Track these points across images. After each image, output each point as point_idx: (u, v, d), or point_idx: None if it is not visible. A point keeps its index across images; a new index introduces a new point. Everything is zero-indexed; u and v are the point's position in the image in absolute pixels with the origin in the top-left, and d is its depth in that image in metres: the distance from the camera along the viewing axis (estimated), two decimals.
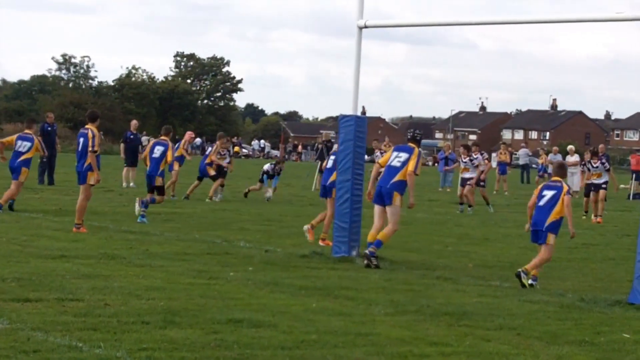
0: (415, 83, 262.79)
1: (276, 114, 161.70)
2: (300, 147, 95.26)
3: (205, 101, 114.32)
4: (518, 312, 10.49)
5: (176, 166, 23.92)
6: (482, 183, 25.86)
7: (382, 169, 14.18)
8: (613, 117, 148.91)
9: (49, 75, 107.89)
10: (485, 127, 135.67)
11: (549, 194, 12.78)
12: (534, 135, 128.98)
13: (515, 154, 51.77)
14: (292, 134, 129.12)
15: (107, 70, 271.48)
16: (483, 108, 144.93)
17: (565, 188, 12.78)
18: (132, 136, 30.36)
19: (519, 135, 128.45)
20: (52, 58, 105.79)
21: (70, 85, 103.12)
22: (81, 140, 16.87)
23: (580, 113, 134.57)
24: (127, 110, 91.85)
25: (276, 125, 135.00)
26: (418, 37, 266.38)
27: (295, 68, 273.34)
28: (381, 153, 28.13)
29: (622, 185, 36.94)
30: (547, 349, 8.65)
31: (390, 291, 11.46)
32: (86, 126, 17.00)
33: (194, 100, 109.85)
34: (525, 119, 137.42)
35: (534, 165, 56.88)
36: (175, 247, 14.62)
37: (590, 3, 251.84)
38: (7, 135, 23.45)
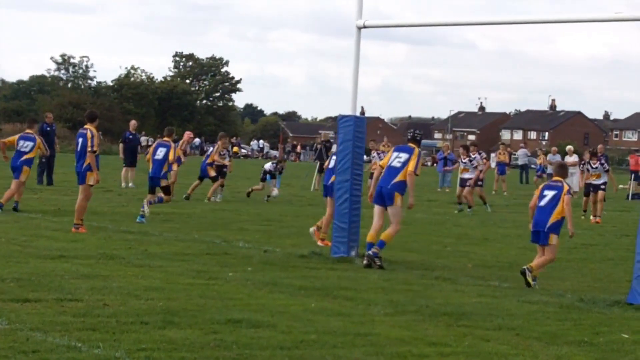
0: (415, 83, 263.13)
1: (275, 114, 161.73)
2: (299, 147, 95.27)
3: (204, 101, 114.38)
4: (517, 312, 10.49)
5: (175, 167, 23.89)
6: (480, 182, 25.88)
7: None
8: (612, 118, 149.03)
9: (47, 75, 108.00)
10: (484, 127, 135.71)
11: (549, 194, 12.80)
12: (532, 135, 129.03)
13: (514, 154, 51.81)
14: (291, 134, 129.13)
15: (106, 71, 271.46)
16: (482, 108, 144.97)
17: (566, 188, 12.82)
18: (131, 136, 30.36)
19: (518, 135, 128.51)
20: (51, 58, 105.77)
21: (69, 85, 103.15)
22: (80, 140, 16.86)
23: (579, 113, 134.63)
24: (125, 111, 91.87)
25: (275, 126, 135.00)
26: (417, 37, 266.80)
27: (294, 68, 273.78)
28: (378, 154, 28.17)
29: (620, 186, 37.01)
30: (546, 349, 8.65)
31: (389, 291, 11.46)
32: (85, 126, 17.00)
33: (193, 101, 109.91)
34: (524, 119, 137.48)
35: (532, 166, 56.90)
36: (174, 248, 14.62)
37: (590, 3, 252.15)
38: (6, 136, 23.46)
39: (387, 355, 8.04)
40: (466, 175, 25.52)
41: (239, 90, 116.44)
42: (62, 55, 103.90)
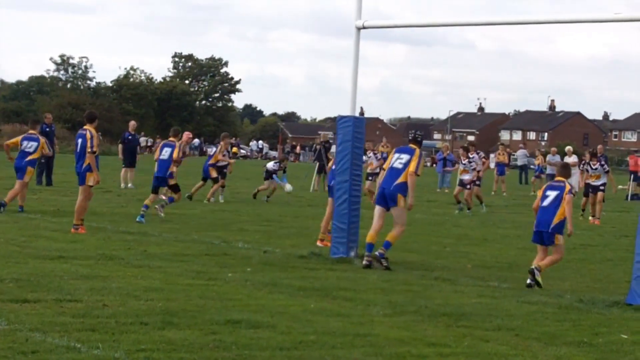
0: (414, 84, 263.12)
1: (274, 114, 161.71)
2: (298, 148, 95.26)
3: (204, 102, 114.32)
4: (516, 312, 10.49)
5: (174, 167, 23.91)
6: (477, 182, 25.92)
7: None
8: (611, 118, 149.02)
9: (47, 75, 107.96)
10: (484, 127, 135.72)
11: (552, 194, 12.84)
12: (532, 136, 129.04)
13: (514, 155, 51.79)
14: (290, 135, 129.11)
15: (105, 71, 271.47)
16: (481, 109, 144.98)
17: (568, 187, 12.86)
18: (130, 137, 30.36)
19: (517, 136, 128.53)
20: (50, 59, 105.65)
21: (68, 86, 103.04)
22: (79, 141, 16.87)
23: (579, 114, 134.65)
24: (125, 111, 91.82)
25: (274, 126, 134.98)
26: (417, 38, 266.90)
27: (294, 68, 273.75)
28: (374, 154, 28.14)
29: (620, 186, 36.99)
30: (546, 350, 8.66)
31: (389, 292, 11.46)
32: (84, 127, 17.01)
33: (192, 101, 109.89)
34: (524, 120, 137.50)
35: (532, 166, 56.89)
36: (173, 248, 14.62)
37: (590, 3, 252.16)
38: (5, 136, 23.50)
39: (386, 355, 8.04)
40: (466, 177, 25.57)
41: (238, 90, 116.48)
42: (62, 56, 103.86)
